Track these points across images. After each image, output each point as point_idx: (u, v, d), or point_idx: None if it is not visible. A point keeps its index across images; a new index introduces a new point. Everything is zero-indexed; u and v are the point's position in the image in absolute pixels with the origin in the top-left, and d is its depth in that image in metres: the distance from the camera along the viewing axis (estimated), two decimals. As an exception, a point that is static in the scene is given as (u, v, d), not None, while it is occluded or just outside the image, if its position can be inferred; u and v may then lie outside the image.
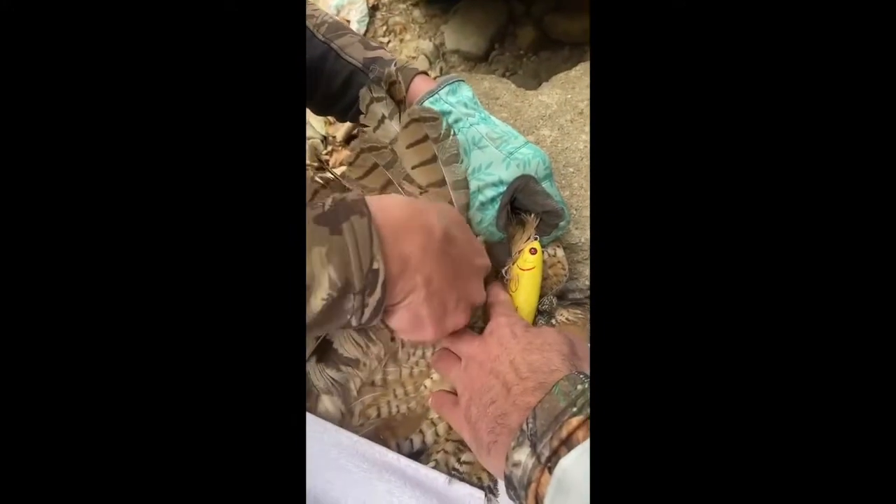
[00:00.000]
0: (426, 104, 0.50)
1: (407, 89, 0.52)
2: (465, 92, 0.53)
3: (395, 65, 0.53)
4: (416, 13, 1.23)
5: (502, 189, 0.49)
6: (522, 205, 0.51)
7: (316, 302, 0.34)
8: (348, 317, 0.37)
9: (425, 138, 0.48)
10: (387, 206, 0.38)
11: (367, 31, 1.23)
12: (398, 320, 0.41)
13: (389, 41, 1.23)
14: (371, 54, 0.56)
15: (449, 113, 0.51)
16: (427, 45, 1.16)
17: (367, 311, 0.37)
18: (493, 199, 0.49)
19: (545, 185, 0.50)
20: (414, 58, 1.16)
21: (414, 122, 0.48)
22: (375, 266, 0.35)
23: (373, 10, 1.25)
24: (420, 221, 0.39)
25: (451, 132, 0.48)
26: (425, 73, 0.54)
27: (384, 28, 1.25)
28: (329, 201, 0.36)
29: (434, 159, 0.48)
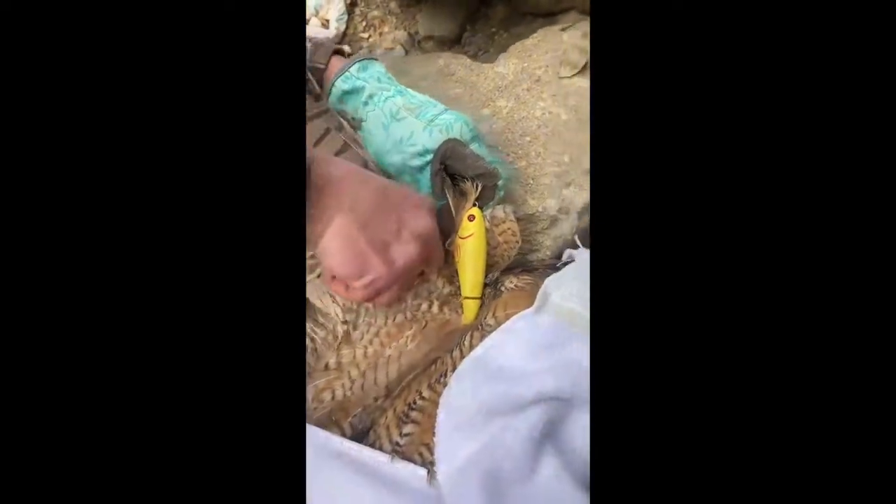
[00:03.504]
0: (338, 83, 0.50)
1: (325, 69, 0.52)
2: (377, 68, 0.52)
3: (310, 42, 0.52)
4: (393, 4, 1.22)
5: (428, 158, 0.48)
6: (456, 171, 0.50)
7: None
8: None
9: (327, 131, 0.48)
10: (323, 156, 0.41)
11: (346, 27, 1.23)
12: (336, 255, 0.39)
13: (370, 36, 1.23)
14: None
15: (362, 89, 0.50)
16: (402, 34, 1.16)
17: None
18: (421, 168, 0.48)
19: (473, 147, 0.49)
20: (392, 48, 1.16)
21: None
22: None
23: (351, 6, 1.25)
24: (349, 164, 0.42)
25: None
26: (340, 51, 0.53)
27: (363, 24, 1.25)
28: None
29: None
